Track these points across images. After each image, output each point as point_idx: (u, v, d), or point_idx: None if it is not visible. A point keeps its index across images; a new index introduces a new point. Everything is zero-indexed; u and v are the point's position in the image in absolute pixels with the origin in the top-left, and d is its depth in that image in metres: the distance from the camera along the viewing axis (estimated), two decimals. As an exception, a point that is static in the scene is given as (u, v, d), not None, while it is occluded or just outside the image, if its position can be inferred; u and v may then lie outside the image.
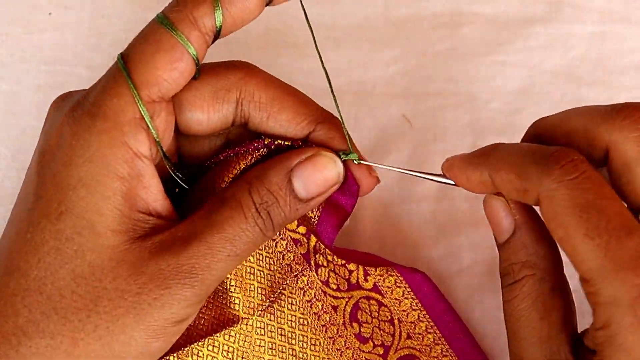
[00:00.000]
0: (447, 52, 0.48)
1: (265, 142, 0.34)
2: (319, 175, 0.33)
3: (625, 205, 0.29)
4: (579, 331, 0.31)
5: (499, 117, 0.47)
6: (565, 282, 0.32)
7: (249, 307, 0.35)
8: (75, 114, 0.30)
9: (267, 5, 0.32)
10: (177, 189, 0.36)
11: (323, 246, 0.37)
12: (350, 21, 0.49)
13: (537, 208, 0.31)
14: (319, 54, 0.34)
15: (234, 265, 0.31)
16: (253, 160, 0.34)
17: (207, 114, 0.33)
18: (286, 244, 0.36)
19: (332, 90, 0.34)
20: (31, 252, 0.29)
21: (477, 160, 0.32)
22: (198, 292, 0.30)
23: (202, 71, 0.33)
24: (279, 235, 0.36)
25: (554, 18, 0.49)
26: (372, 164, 0.36)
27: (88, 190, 0.29)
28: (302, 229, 0.36)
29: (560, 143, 0.31)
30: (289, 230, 0.36)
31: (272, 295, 0.35)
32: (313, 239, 0.37)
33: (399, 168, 0.36)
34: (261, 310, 0.35)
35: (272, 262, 0.36)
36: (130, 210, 0.30)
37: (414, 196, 0.45)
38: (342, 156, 0.34)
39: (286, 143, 0.34)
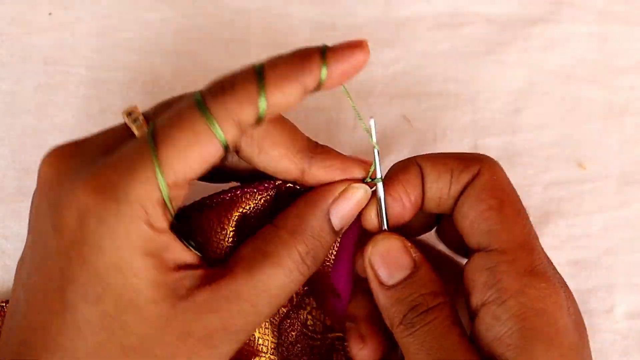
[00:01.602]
0: (447, 52, 0.48)
1: (277, 183, 0.34)
2: (354, 208, 0.34)
3: None
4: None
5: (499, 117, 0.47)
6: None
7: (263, 344, 0.35)
8: (98, 197, 0.29)
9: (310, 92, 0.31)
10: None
11: (302, 288, 0.37)
12: (350, 21, 0.49)
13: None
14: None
15: (275, 311, 0.33)
16: (263, 201, 0.34)
17: None
18: None
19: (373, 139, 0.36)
20: (74, 332, 0.30)
21: (405, 161, 0.35)
22: (242, 343, 0.32)
23: None
24: None
25: (554, 18, 0.49)
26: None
27: (122, 273, 0.29)
28: None
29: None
30: None
31: (277, 335, 0.36)
32: None
33: None
34: (272, 349, 0.35)
35: None
36: (164, 276, 0.30)
37: (414, 196, 0.45)
38: (373, 180, 0.34)
39: (297, 186, 0.34)
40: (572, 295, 0.33)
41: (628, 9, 0.49)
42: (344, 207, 0.33)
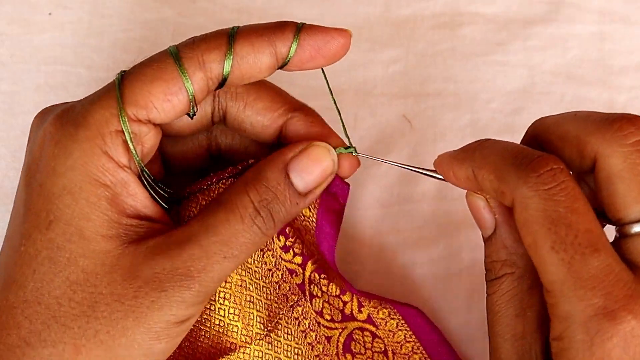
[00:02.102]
0: (447, 52, 0.48)
1: (250, 163, 0.34)
2: (315, 167, 0.33)
3: (599, 221, 0.29)
4: None
5: (499, 117, 0.47)
6: None
7: (247, 335, 0.35)
8: (59, 123, 0.30)
9: (279, 68, 0.32)
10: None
11: (318, 276, 0.37)
12: (350, 21, 0.49)
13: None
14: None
15: (234, 266, 0.31)
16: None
17: None
18: (282, 275, 0.36)
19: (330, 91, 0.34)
20: (26, 264, 0.30)
21: (462, 155, 0.32)
22: (196, 294, 0.30)
23: None
24: (275, 265, 0.36)
25: (554, 18, 0.49)
26: (372, 157, 0.36)
27: (73, 197, 0.29)
28: (298, 259, 0.36)
29: (554, 146, 0.31)
30: (285, 261, 0.36)
31: (269, 325, 0.35)
32: (308, 269, 0.36)
33: (395, 162, 0.36)
34: (259, 339, 0.35)
35: (269, 292, 0.36)
36: (118, 215, 0.30)
37: (414, 196, 0.45)
38: (342, 150, 0.34)
39: None
40: None
41: (628, 8, 0.49)
42: (304, 164, 0.33)
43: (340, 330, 0.37)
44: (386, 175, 0.46)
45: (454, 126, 0.47)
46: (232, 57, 0.31)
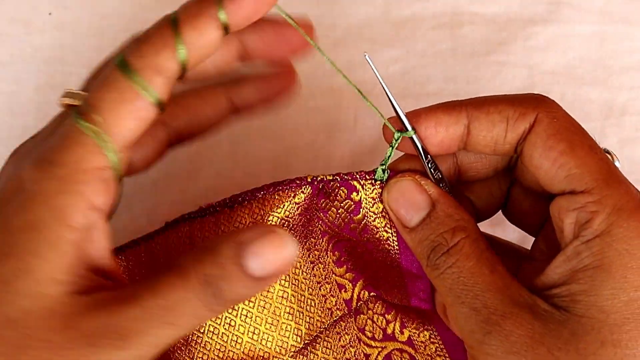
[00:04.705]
0: (447, 52, 0.48)
1: (309, 180, 0.32)
2: (274, 254, 0.29)
3: None
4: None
5: (499, 117, 0.47)
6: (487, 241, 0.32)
7: (281, 346, 0.34)
8: (37, 161, 0.29)
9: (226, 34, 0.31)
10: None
11: (368, 294, 0.36)
12: (350, 21, 0.49)
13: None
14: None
15: (175, 335, 0.29)
16: (299, 209, 0.33)
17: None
18: (330, 288, 0.35)
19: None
20: None
21: (454, 104, 0.32)
22: (128, 357, 0.28)
23: None
24: (325, 278, 0.35)
25: (554, 18, 0.49)
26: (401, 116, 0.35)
27: (35, 233, 0.28)
28: (349, 275, 0.36)
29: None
30: (336, 275, 0.36)
31: (307, 338, 0.35)
32: (359, 285, 0.36)
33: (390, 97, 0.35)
34: (294, 352, 0.34)
35: (314, 305, 0.35)
36: (76, 261, 0.29)
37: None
38: (398, 135, 0.33)
39: (330, 178, 0.33)
40: None
41: (628, 9, 0.49)
42: (262, 250, 0.28)
43: (380, 349, 0.37)
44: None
45: (454, 126, 0.47)
46: (184, 49, 0.30)
